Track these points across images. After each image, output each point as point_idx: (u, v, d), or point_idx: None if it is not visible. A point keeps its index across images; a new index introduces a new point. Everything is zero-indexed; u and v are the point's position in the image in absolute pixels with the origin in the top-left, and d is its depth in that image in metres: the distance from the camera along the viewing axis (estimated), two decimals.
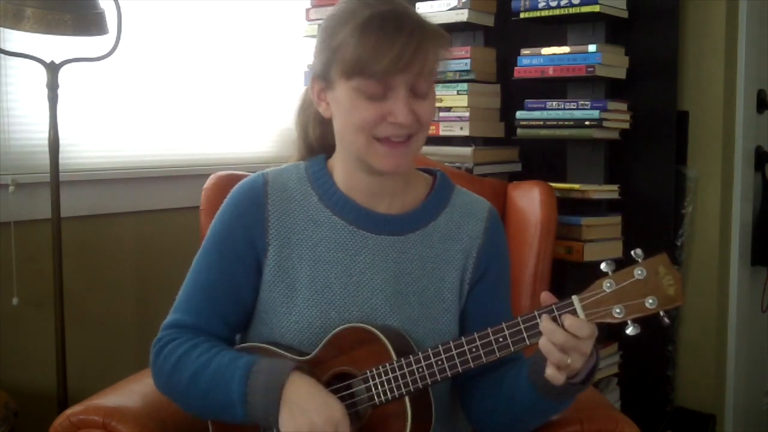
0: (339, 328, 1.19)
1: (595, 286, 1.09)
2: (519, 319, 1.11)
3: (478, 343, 1.12)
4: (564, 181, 2.23)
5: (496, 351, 1.12)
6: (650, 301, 1.06)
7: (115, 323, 2.25)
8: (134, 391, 1.42)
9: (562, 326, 1.07)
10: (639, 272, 1.07)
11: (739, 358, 2.36)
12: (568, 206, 2.10)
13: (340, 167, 1.28)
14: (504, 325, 1.11)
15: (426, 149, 2.27)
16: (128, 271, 2.29)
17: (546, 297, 1.12)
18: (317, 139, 1.34)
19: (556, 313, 1.09)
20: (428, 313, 1.26)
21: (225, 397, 1.15)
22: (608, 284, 1.07)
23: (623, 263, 1.10)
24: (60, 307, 1.92)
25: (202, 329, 1.24)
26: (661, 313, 1.07)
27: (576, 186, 2.14)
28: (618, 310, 1.07)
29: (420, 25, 1.17)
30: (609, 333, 2.27)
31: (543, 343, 1.08)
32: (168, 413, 1.32)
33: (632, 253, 1.08)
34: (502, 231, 1.35)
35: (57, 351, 1.92)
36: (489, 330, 1.12)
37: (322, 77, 1.22)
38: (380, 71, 1.13)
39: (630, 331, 1.08)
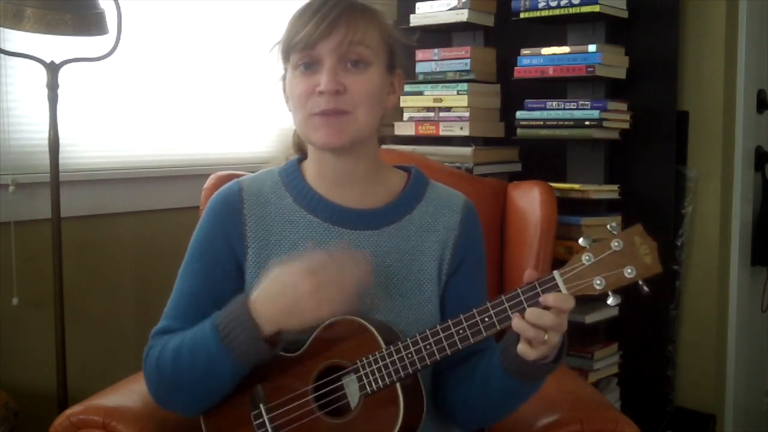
0: (326, 322, 1.20)
1: (575, 260, 1.11)
2: (503, 297, 1.12)
3: (465, 324, 1.13)
4: (564, 181, 2.23)
5: (483, 330, 1.13)
6: (629, 270, 1.09)
7: (115, 323, 2.25)
8: (134, 391, 1.42)
9: (546, 306, 1.09)
10: (616, 244, 1.09)
11: (739, 358, 2.36)
12: (568, 206, 2.11)
13: (311, 164, 1.32)
14: (489, 305, 1.13)
15: (426, 149, 2.30)
16: (128, 271, 2.29)
17: (530, 274, 1.13)
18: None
19: (538, 288, 1.10)
20: (410, 304, 1.27)
21: (211, 363, 1.17)
22: (587, 257, 1.10)
23: None
24: (60, 307, 1.92)
25: None
26: (640, 282, 1.09)
27: (576, 186, 2.15)
28: (598, 282, 1.09)
29: (345, 1, 1.23)
30: (609, 333, 2.28)
31: (516, 322, 1.09)
32: (168, 413, 1.32)
33: (608, 226, 1.11)
34: (477, 223, 1.37)
35: (57, 351, 1.92)
36: (475, 311, 1.13)
37: (282, 74, 1.29)
38: (301, 40, 1.20)
39: (611, 301, 1.10)
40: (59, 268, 1.92)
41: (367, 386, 1.16)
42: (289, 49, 1.23)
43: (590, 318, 2.13)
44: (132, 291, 2.29)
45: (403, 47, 1.33)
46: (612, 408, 1.49)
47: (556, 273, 1.11)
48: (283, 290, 1.13)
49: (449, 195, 1.36)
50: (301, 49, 1.21)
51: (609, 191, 2.18)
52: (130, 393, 1.41)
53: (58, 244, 1.92)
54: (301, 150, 1.37)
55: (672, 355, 2.33)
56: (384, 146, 2.38)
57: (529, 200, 1.95)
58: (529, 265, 1.87)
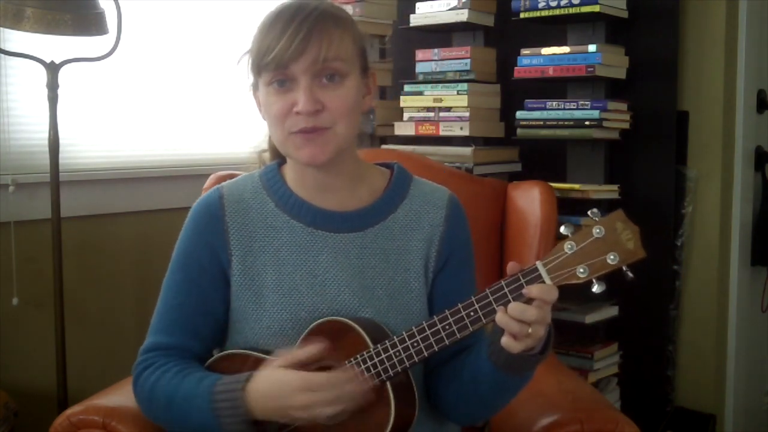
0: (314, 324, 1.20)
1: (557, 249, 1.10)
2: (487, 291, 1.12)
3: (451, 320, 1.13)
4: (564, 181, 2.23)
5: (469, 325, 1.12)
6: (611, 257, 1.08)
7: (115, 323, 2.25)
8: None
9: (529, 300, 1.08)
10: (597, 231, 1.09)
11: (739, 358, 2.36)
12: (568, 206, 2.10)
13: (291, 170, 1.31)
14: (474, 299, 1.12)
15: (426, 149, 2.30)
16: (128, 271, 2.29)
17: (512, 266, 1.12)
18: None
19: (522, 280, 1.10)
20: (397, 304, 1.27)
21: (200, 423, 1.17)
22: (569, 246, 1.09)
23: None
24: (60, 307, 1.92)
25: (177, 348, 1.27)
26: (624, 268, 1.09)
27: (576, 186, 2.14)
28: (582, 270, 1.09)
29: (316, 12, 1.18)
30: (609, 333, 2.28)
31: (500, 317, 1.09)
32: None
33: (589, 213, 1.10)
34: (463, 218, 1.35)
35: (57, 351, 1.92)
36: (460, 306, 1.13)
37: (253, 82, 1.27)
38: (272, 62, 1.17)
39: (596, 289, 1.09)
40: (59, 268, 1.92)
41: None
42: (259, 67, 1.20)
43: (590, 318, 2.13)
44: (132, 291, 2.29)
45: (369, 42, 1.31)
46: (612, 408, 1.49)
47: (539, 263, 1.10)
48: (279, 395, 1.12)
49: (433, 191, 1.35)
50: (274, 69, 1.18)
51: (609, 191, 2.18)
52: (130, 393, 1.40)
53: (58, 244, 1.92)
54: (277, 154, 1.35)
55: (672, 355, 2.33)
56: (384, 146, 2.41)
57: (529, 200, 1.95)
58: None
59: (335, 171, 1.27)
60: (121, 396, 1.41)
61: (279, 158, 1.35)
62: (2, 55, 1.96)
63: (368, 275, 1.26)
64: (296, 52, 1.16)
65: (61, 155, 1.93)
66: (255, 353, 1.23)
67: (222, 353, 1.29)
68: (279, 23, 1.18)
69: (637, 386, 2.29)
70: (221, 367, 1.26)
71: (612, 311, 2.20)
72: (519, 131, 2.25)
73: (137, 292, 2.29)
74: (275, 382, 1.13)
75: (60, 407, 1.88)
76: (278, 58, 1.16)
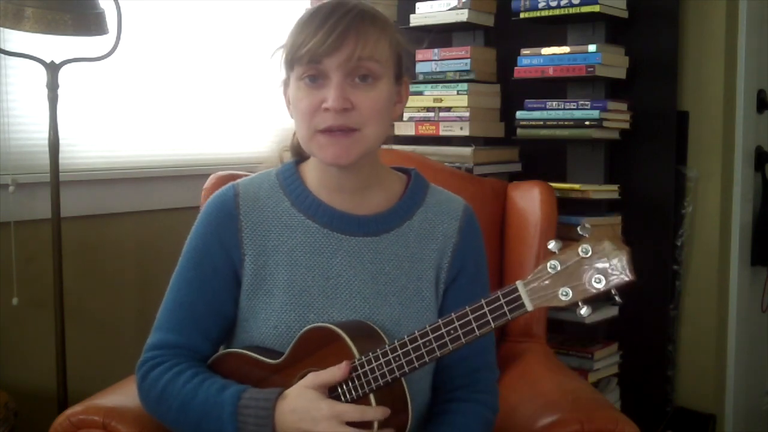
0: (304, 330, 1.19)
1: (541, 269, 1.03)
2: (467, 309, 1.08)
3: (431, 336, 1.10)
4: (564, 181, 2.23)
5: (449, 343, 1.09)
6: (596, 280, 1.01)
7: (115, 323, 2.25)
8: (134, 391, 1.41)
9: None
10: (583, 250, 1.01)
11: (739, 358, 2.36)
12: (568, 206, 2.11)
13: (311, 170, 1.29)
14: (454, 316, 1.09)
15: (426, 149, 2.30)
16: (128, 271, 2.29)
17: None
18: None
19: (502, 300, 1.06)
20: (409, 312, 1.25)
21: (217, 428, 1.16)
22: (552, 265, 1.02)
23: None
24: (60, 307, 1.92)
25: (185, 347, 1.26)
26: (613, 292, 1.01)
27: (576, 186, 2.15)
28: (564, 293, 1.02)
29: (355, 11, 1.17)
30: (609, 333, 2.28)
31: None
32: None
33: (578, 228, 1.03)
34: (477, 229, 1.34)
35: (57, 351, 1.92)
36: (440, 322, 1.10)
37: (285, 78, 1.26)
38: (307, 53, 1.15)
39: (583, 312, 1.02)
40: (59, 268, 1.92)
41: (341, 396, 1.14)
42: (293, 60, 1.19)
43: (590, 318, 2.13)
44: (132, 291, 2.29)
45: (408, 53, 1.29)
46: (612, 408, 1.49)
47: (519, 283, 1.05)
48: (306, 418, 1.10)
49: (449, 200, 1.34)
50: (307, 62, 1.16)
51: (609, 191, 2.18)
52: (130, 393, 1.41)
53: (58, 244, 1.92)
54: (298, 153, 1.33)
55: (672, 355, 2.33)
56: (384, 146, 2.41)
57: (529, 200, 1.95)
58: (530, 265, 1.87)
59: (357, 171, 1.25)
60: (121, 396, 1.41)
61: (298, 157, 1.33)
62: (2, 55, 1.96)
63: (381, 281, 1.25)
64: (331, 48, 1.14)
65: (61, 155, 1.93)
66: (255, 355, 1.23)
67: (225, 351, 1.28)
68: (317, 19, 1.17)
69: (637, 386, 2.29)
70: (224, 366, 1.25)
71: (612, 311, 2.20)
72: (519, 131, 2.25)
73: (137, 292, 2.29)
74: (306, 403, 1.11)
75: (60, 407, 1.88)
76: (312, 51, 1.15)
